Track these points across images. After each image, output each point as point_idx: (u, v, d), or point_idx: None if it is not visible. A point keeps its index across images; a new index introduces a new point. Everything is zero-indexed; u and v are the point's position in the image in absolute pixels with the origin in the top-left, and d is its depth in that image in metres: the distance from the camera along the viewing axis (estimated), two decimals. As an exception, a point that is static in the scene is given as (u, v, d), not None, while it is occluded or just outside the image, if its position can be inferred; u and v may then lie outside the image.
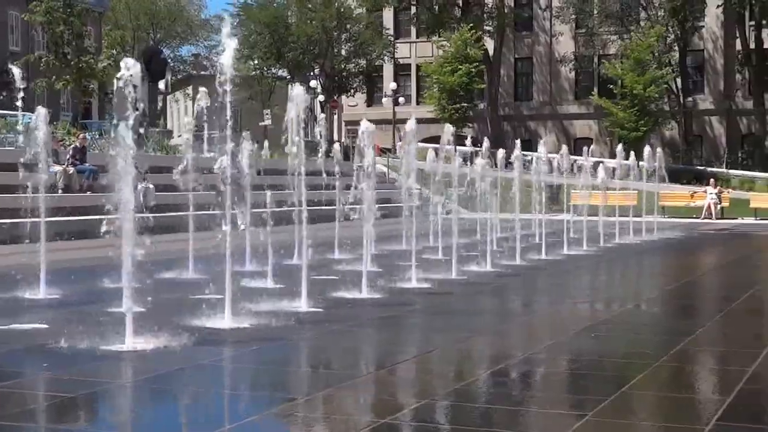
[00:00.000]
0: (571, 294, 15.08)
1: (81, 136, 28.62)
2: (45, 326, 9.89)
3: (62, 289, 12.74)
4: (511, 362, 8.63)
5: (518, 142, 22.04)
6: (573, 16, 71.95)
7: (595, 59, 72.88)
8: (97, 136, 36.41)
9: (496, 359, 8.91)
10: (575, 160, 29.51)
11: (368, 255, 13.77)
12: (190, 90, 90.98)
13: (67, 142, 29.59)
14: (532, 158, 26.92)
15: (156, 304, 11.26)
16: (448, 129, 17.40)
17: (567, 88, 75.94)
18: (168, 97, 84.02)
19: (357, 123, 14.07)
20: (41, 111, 13.59)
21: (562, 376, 8.38)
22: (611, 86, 62.78)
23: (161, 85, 65.20)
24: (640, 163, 34.07)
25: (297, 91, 11.97)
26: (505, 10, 71.54)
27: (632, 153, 32.56)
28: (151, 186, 26.11)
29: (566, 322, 11.56)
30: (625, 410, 6.92)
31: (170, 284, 13.68)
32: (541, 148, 24.93)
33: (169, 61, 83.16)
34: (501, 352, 9.36)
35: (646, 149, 35.74)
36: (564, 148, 27.36)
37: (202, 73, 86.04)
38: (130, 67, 8.97)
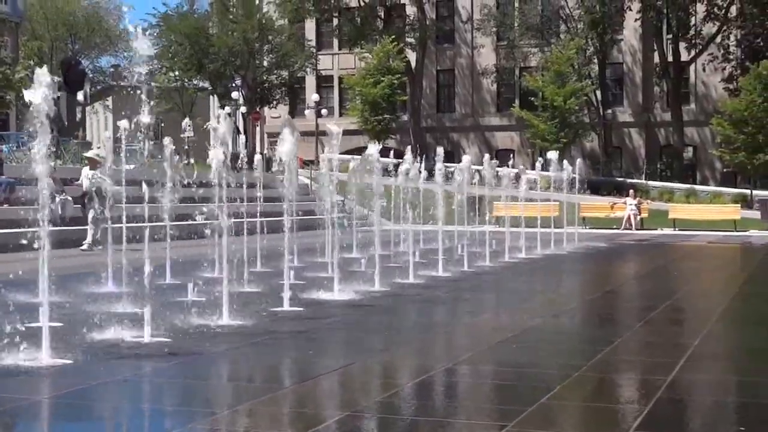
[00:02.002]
0: (492, 305, 15.15)
1: (-2, 148, 28.15)
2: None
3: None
4: (432, 373, 8.62)
5: (440, 150, 22.01)
6: (494, 29, 72.65)
7: (517, 71, 73.65)
8: (15, 149, 35.83)
9: (418, 371, 8.89)
10: (497, 171, 29.70)
11: (289, 267, 13.66)
12: (109, 101, 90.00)
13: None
14: (454, 170, 27.02)
15: (74, 318, 11.09)
16: (373, 148, 17.29)
17: (489, 100, 76.58)
18: (87, 109, 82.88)
19: (279, 134, 13.93)
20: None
21: (484, 387, 8.39)
22: (532, 98, 63.42)
23: (80, 96, 64.18)
24: (561, 174, 34.41)
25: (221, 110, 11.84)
26: (427, 23, 71.96)
27: (551, 163, 32.84)
28: (70, 198, 25.75)
29: (488, 332, 11.60)
30: (546, 420, 6.95)
31: (88, 298, 13.45)
32: (466, 158, 25.04)
33: (88, 72, 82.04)
34: (423, 363, 9.35)
35: (566, 161, 36.12)
36: (487, 156, 27.48)
37: (122, 84, 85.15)
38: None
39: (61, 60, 74.18)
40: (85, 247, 23.36)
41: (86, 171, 24.48)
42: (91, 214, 23.71)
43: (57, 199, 23.82)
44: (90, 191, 23.83)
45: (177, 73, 69.27)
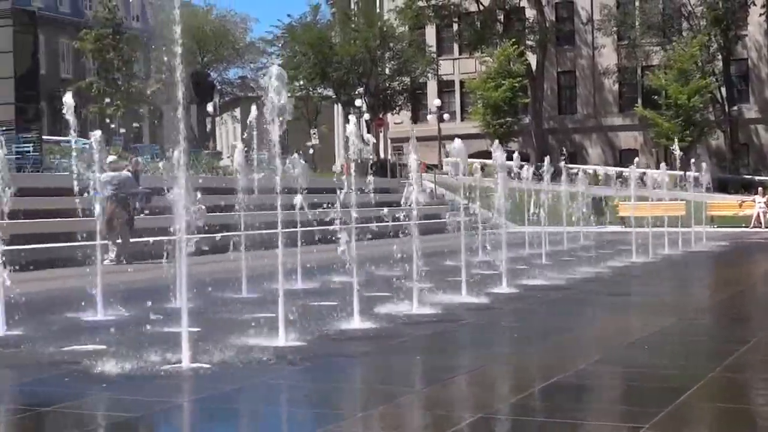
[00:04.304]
0: (621, 305, 15.05)
1: (133, 160, 28.90)
2: (103, 347, 10.04)
3: (119, 310, 12.93)
4: (564, 375, 8.62)
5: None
6: (615, 29, 71.83)
7: (639, 70, 72.60)
8: (149, 160, 36.86)
9: (549, 372, 8.89)
10: (621, 172, 29.48)
11: (417, 270, 13.78)
12: (237, 112, 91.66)
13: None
14: (578, 171, 26.89)
15: (212, 323, 11.44)
16: (497, 147, 17.37)
17: (611, 100, 75.70)
18: (216, 119, 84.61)
19: (403, 140, 14.13)
20: (97, 135, 13.95)
21: (616, 388, 8.40)
22: (655, 97, 62.53)
23: (209, 107, 65.70)
24: (687, 173, 33.93)
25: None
26: (547, 25, 71.53)
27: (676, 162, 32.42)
28: (203, 207, 26.33)
29: (618, 333, 11.55)
30: (682, 421, 6.92)
31: (224, 303, 13.83)
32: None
33: (217, 83, 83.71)
34: (554, 365, 9.35)
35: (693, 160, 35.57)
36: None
37: (249, 94, 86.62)
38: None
39: (190, 73, 76.00)
40: (107, 261, 21.11)
41: (107, 176, 21.97)
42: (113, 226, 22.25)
43: (192, 208, 24.31)
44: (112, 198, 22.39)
45: (302, 82, 70.23)
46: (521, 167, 25.13)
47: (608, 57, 74.19)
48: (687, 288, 18.46)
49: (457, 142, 15.14)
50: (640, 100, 69.22)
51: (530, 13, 72.72)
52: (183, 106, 9.60)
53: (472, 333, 11.62)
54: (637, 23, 70.09)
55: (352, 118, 12.68)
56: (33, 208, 22.79)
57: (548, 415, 7.31)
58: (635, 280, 19.03)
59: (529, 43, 71.03)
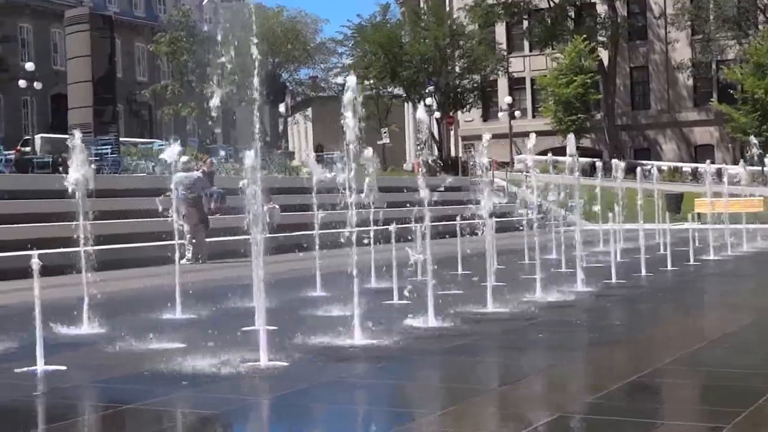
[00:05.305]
0: (699, 304, 14.89)
1: (208, 160, 29.27)
2: (182, 345, 10.18)
3: (197, 308, 13.09)
4: (641, 374, 8.53)
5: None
6: (688, 23, 70.88)
7: (713, 65, 71.61)
8: (223, 160, 37.30)
9: (626, 371, 8.82)
10: (697, 168, 29.15)
11: (492, 270, 13.76)
12: (309, 112, 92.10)
13: (196, 167, 30.37)
14: (651, 167, 26.61)
15: (288, 322, 11.54)
16: (571, 140, 17.20)
17: (685, 94, 74.74)
18: (288, 120, 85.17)
19: (473, 138, 14.07)
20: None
21: (695, 388, 8.30)
22: (731, 91, 61.66)
23: (281, 108, 66.14)
24: (765, 168, 33.44)
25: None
26: (618, 20, 70.86)
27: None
28: (277, 207, 26.62)
29: (697, 332, 11.44)
30: (764, 422, 6.82)
31: (299, 302, 13.93)
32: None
33: (288, 84, 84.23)
34: (630, 364, 9.28)
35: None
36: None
37: (321, 94, 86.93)
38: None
39: (263, 74, 76.43)
40: (184, 261, 20.06)
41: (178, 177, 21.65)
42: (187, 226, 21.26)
43: (265, 208, 24.54)
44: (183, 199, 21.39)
45: (372, 81, 70.41)
46: (593, 164, 24.97)
47: (682, 51, 73.30)
48: (767, 285, 18.18)
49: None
50: (715, 95, 68.35)
51: (601, 8, 72.13)
52: (257, 108, 9.71)
53: (546, 332, 11.55)
54: (711, 17, 69.15)
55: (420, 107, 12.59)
56: (111, 209, 23.17)
57: (627, 414, 7.24)
58: (713, 277, 18.80)
59: (600, 38, 70.45)
